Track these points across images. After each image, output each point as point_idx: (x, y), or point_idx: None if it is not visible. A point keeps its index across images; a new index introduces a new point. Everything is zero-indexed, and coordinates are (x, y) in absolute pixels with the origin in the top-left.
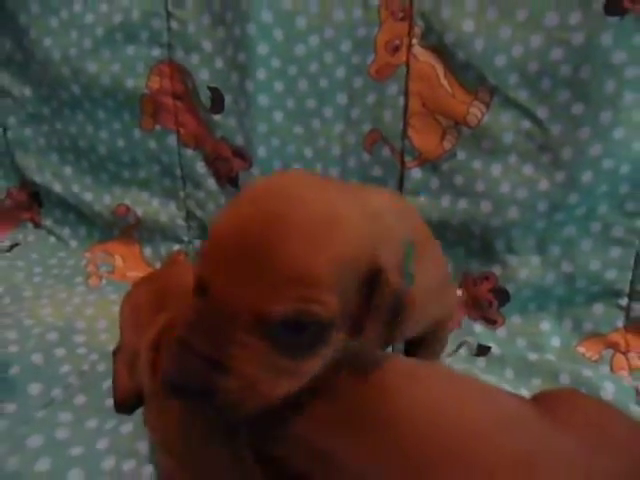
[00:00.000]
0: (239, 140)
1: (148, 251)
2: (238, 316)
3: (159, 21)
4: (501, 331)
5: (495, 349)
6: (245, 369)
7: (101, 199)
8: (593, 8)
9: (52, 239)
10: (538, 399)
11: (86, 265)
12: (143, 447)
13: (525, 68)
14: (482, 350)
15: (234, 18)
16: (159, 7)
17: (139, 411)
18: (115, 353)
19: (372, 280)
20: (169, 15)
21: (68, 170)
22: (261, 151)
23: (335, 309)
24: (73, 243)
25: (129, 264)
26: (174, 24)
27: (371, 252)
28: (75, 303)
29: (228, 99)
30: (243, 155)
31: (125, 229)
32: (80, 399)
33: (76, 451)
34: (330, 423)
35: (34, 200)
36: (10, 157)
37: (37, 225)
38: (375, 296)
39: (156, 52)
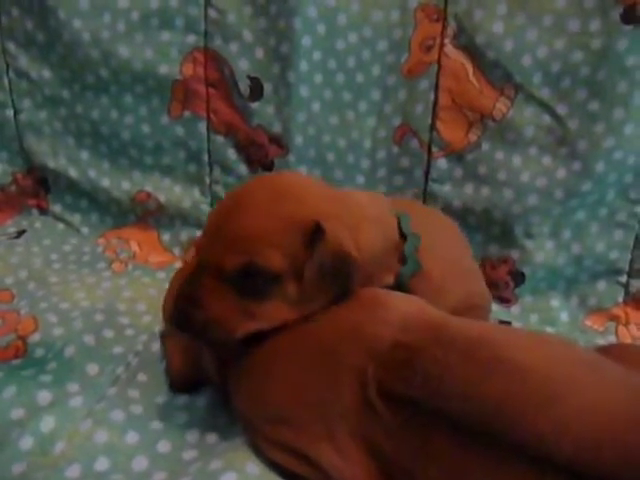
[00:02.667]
0: (276, 128)
1: (166, 237)
2: (208, 267)
3: (196, 9)
4: (515, 309)
5: (514, 324)
6: (211, 304)
7: (119, 185)
8: (611, 17)
9: (60, 225)
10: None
11: (103, 251)
12: (222, 421)
13: (548, 68)
14: (503, 324)
15: (279, 11)
16: None
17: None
18: (163, 336)
19: (315, 241)
20: (207, 3)
21: (85, 155)
22: (298, 139)
23: (278, 263)
24: (84, 229)
25: (146, 250)
26: (212, 12)
27: (314, 217)
28: (106, 287)
29: (267, 88)
30: (279, 142)
31: (142, 215)
32: (142, 377)
33: (157, 425)
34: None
35: (41, 186)
36: (19, 142)
37: (43, 211)
38: (313, 250)
39: (191, 39)
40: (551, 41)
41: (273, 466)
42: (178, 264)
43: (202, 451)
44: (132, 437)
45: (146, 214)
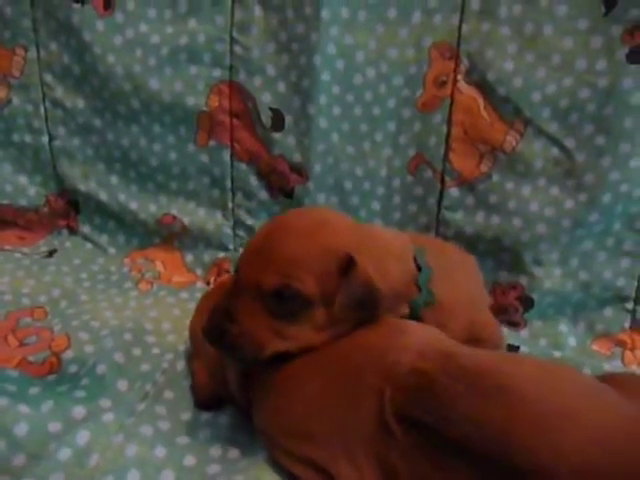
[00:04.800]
0: (296, 157)
1: (190, 258)
2: (247, 286)
3: (222, 45)
4: (524, 333)
5: (523, 348)
6: (245, 320)
7: (147, 208)
8: (616, 57)
9: (89, 245)
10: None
11: (130, 271)
12: (243, 437)
13: (557, 104)
14: (512, 349)
15: (300, 48)
16: (224, 33)
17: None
18: (190, 355)
19: (347, 272)
20: (232, 40)
21: (114, 179)
22: (317, 168)
23: (312, 287)
24: (111, 250)
25: (170, 270)
26: (237, 49)
27: (347, 249)
28: (133, 307)
29: (289, 120)
30: (299, 171)
31: (167, 237)
32: (168, 394)
33: (183, 440)
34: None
35: (71, 208)
36: (52, 166)
37: (73, 232)
38: (345, 280)
39: (217, 73)
40: (559, 79)
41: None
42: (200, 284)
43: (225, 466)
44: (160, 451)
45: (171, 236)
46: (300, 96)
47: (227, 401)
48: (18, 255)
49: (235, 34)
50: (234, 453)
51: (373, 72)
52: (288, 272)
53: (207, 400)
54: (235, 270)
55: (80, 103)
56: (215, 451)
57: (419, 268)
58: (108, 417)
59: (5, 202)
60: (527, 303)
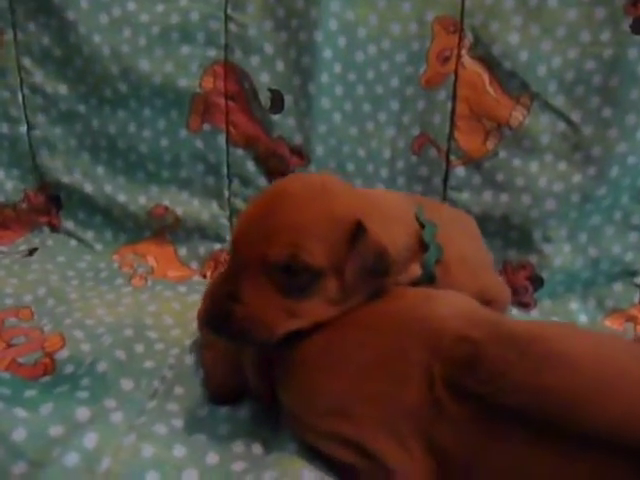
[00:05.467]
0: (297, 139)
1: (183, 251)
2: (249, 262)
3: (217, 23)
4: (534, 313)
5: None
6: (252, 299)
7: (136, 200)
8: (621, 27)
9: (73, 242)
10: None
11: (120, 267)
12: (265, 431)
13: (563, 77)
14: None
15: (300, 24)
16: (218, 10)
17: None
18: (200, 348)
19: (356, 239)
20: (227, 18)
21: (100, 170)
22: (319, 150)
23: (322, 258)
24: (98, 246)
25: (163, 265)
26: (232, 27)
27: (355, 215)
28: (128, 303)
29: (288, 100)
30: (300, 153)
31: (158, 230)
32: (179, 390)
33: (201, 438)
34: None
35: (52, 203)
36: (31, 158)
37: (54, 229)
38: (354, 248)
39: (211, 53)
40: (565, 51)
41: (326, 460)
42: (197, 278)
43: (252, 462)
44: (179, 450)
45: (163, 229)
46: (300, 75)
47: (244, 394)
48: None
49: (230, 11)
50: (258, 448)
51: (375, 49)
52: (295, 242)
53: (222, 393)
54: (231, 248)
55: (62, 88)
56: (238, 447)
57: (422, 226)
58: (116, 417)
59: None
60: (537, 282)
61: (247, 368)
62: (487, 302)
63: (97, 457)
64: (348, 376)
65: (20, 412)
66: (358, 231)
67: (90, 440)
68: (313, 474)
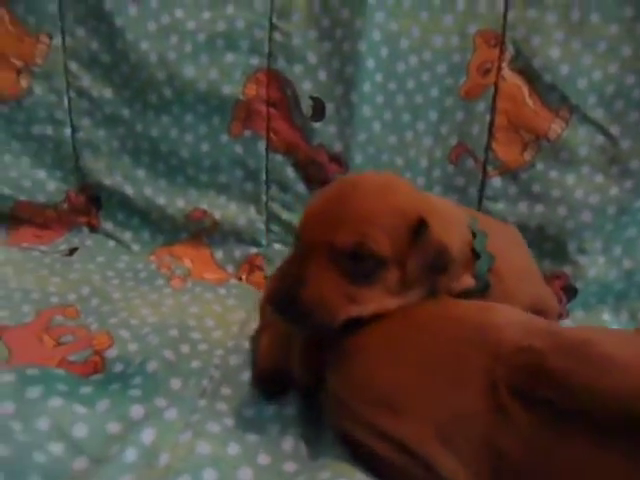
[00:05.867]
0: (337, 147)
1: (219, 254)
2: (317, 247)
3: (261, 31)
4: (566, 323)
5: None
6: (318, 283)
7: (175, 203)
8: None
9: (111, 243)
10: None
11: (158, 268)
12: (314, 431)
13: (602, 91)
14: None
15: (344, 35)
16: (263, 18)
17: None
18: (256, 333)
19: (419, 234)
20: (272, 27)
21: (141, 173)
22: (357, 158)
23: (386, 248)
24: (135, 247)
25: (199, 267)
26: (277, 35)
27: (419, 211)
28: (170, 304)
29: (330, 108)
30: (339, 161)
31: (195, 233)
32: (225, 390)
33: (253, 437)
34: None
35: (92, 204)
36: (74, 159)
37: (93, 229)
38: (417, 242)
39: (255, 61)
40: (605, 65)
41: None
42: (233, 281)
43: (303, 463)
44: (233, 448)
45: (200, 232)
46: (343, 84)
47: (290, 382)
48: (36, 253)
49: (275, 20)
50: (308, 449)
51: (416, 60)
52: (363, 231)
53: (270, 377)
54: (296, 235)
55: (107, 92)
56: (288, 447)
57: (473, 235)
58: (170, 414)
59: (23, 198)
60: (571, 293)
61: (295, 354)
62: (539, 312)
63: (155, 453)
64: (404, 372)
65: (79, 408)
66: (421, 227)
67: (148, 436)
68: (366, 476)
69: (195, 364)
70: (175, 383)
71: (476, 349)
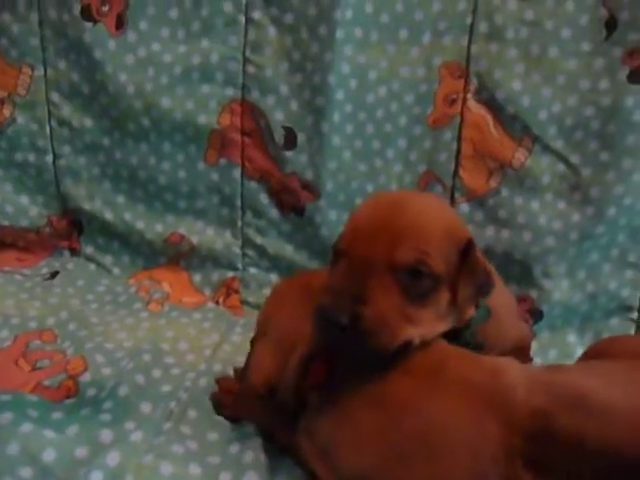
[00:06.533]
0: (308, 175)
1: (197, 278)
2: (374, 264)
3: (235, 64)
4: (533, 344)
5: (536, 359)
6: (381, 302)
7: (153, 227)
8: (618, 77)
9: (92, 266)
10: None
11: (137, 292)
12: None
13: (563, 122)
14: None
15: (314, 67)
16: (236, 52)
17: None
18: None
19: (466, 254)
20: (245, 60)
21: (120, 199)
22: (329, 185)
23: (442, 267)
24: (115, 270)
25: (178, 291)
26: (250, 68)
27: (467, 233)
28: (147, 327)
29: (301, 138)
30: (311, 188)
31: (173, 257)
32: (191, 413)
33: (214, 459)
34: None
35: (74, 228)
36: (55, 185)
37: (75, 253)
38: (467, 263)
39: (229, 92)
40: (564, 98)
41: None
42: (210, 305)
43: (262, 473)
44: (195, 469)
45: (178, 256)
46: (313, 114)
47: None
48: (19, 277)
49: (248, 53)
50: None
51: (385, 90)
52: (421, 247)
53: (267, 386)
54: (342, 251)
55: (88, 122)
56: (248, 460)
57: None
58: (136, 437)
59: (5, 223)
60: (536, 315)
61: (292, 364)
62: (521, 348)
63: (120, 475)
64: (413, 431)
65: (49, 433)
66: (469, 248)
67: (113, 459)
68: None
69: (166, 388)
70: (145, 407)
71: (492, 417)
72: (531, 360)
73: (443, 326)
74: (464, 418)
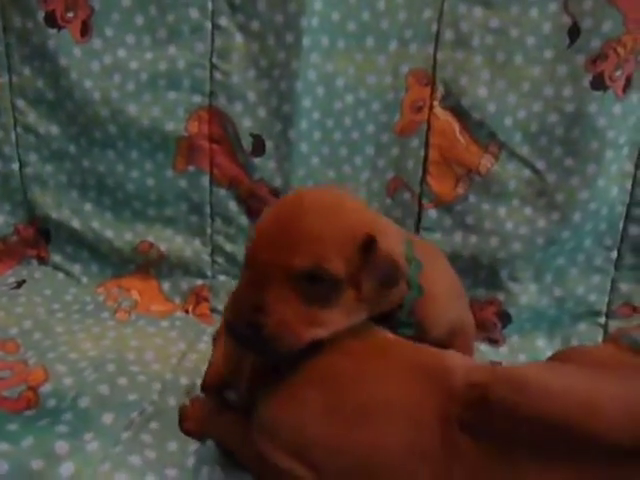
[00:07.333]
0: (277, 182)
1: (167, 286)
2: (273, 273)
3: (202, 71)
4: (503, 349)
5: (504, 364)
6: (280, 309)
7: (122, 236)
8: (582, 84)
9: (60, 275)
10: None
11: (105, 300)
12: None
13: (528, 128)
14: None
15: (281, 74)
16: (204, 59)
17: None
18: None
19: (369, 250)
20: (212, 66)
21: (88, 207)
22: None
23: (341, 268)
24: (84, 279)
25: (146, 299)
26: (217, 75)
27: (367, 229)
28: (113, 337)
29: (269, 145)
30: (279, 195)
31: (142, 265)
32: (153, 425)
33: (171, 471)
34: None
35: (41, 236)
36: (22, 194)
37: (43, 261)
38: (368, 258)
39: (197, 99)
40: (529, 104)
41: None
42: (179, 313)
43: None
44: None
45: (147, 264)
46: (281, 121)
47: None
48: None
49: (215, 60)
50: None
51: (352, 98)
52: (317, 252)
53: (213, 383)
54: (247, 259)
55: (54, 129)
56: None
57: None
58: (92, 447)
59: None
60: (505, 319)
61: (244, 372)
62: (457, 334)
63: None
64: (352, 418)
65: (3, 446)
66: (370, 244)
67: (67, 469)
68: None
69: (130, 397)
70: (107, 417)
71: (429, 390)
72: (473, 352)
73: (350, 320)
74: (405, 390)
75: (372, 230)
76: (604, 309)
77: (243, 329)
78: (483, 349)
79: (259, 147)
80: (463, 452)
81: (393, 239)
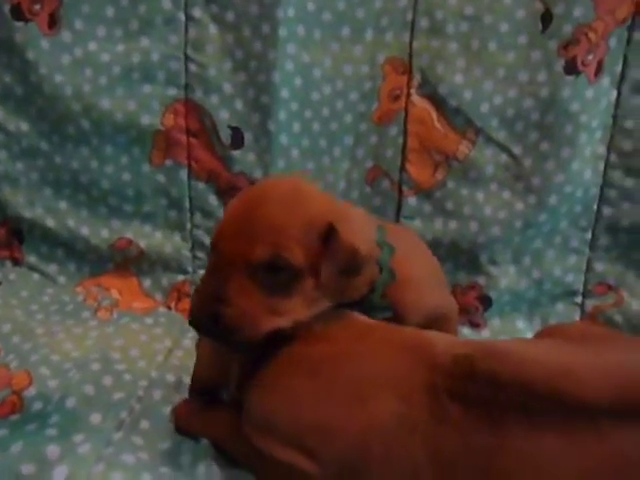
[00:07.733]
0: (257, 174)
1: (147, 283)
2: (233, 263)
3: (177, 63)
4: (485, 332)
5: None
6: (240, 300)
7: (98, 233)
8: (555, 69)
9: (36, 276)
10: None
11: (84, 300)
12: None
13: (504, 114)
14: None
15: (258, 66)
16: (177, 51)
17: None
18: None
19: (330, 239)
20: (187, 58)
21: (63, 205)
22: None
23: (300, 258)
24: (61, 279)
25: (127, 297)
26: (192, 67)
27: (327, 218)
28: (95, 336)
29: (248, 137)
30: None
31: (121, 262)
32: (144, 424)
33: (165, 469)
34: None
35: (14, 237)
36: None
37: (17, 263)
38: (328, 247)
39: (172, 92)
40: (505, 90)
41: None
42: (162, 309)
43: None
44: (146, 478)
45: (126, 261)
46: (259, 113)
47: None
48: None
49: (190, 52)
50: (222, 473)
51: (330, 88)
52: (277, 242)
53: (200, 387)
54: (212, 247)
55: (24, 126)
56: (200, 473)
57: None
58: (84, 449)
59: None
60: (486, 302)
61: (233, 369)
62: (439, 319)
63: None
64: (342, 399)
65: None
66: (330, 233)
67: (61, 473)
68: None
69: (117, 396)
70: (95, 418)
71: (417, 365)
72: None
73: (312, 310)
74: (390, 367)
75: (334, 219)
76: (581, 289)
77: (204, 320)
78: (465, 333)
79: (238, 139)
80: (453, 420)
81: (357, 227)
